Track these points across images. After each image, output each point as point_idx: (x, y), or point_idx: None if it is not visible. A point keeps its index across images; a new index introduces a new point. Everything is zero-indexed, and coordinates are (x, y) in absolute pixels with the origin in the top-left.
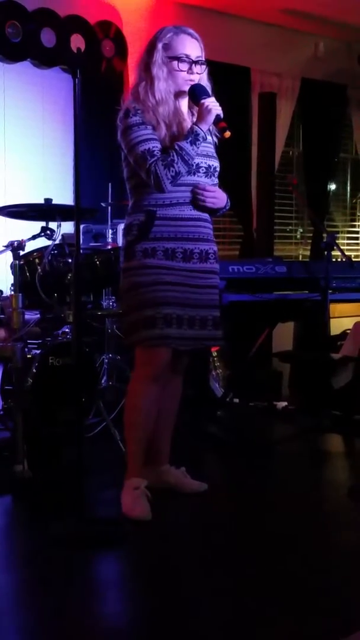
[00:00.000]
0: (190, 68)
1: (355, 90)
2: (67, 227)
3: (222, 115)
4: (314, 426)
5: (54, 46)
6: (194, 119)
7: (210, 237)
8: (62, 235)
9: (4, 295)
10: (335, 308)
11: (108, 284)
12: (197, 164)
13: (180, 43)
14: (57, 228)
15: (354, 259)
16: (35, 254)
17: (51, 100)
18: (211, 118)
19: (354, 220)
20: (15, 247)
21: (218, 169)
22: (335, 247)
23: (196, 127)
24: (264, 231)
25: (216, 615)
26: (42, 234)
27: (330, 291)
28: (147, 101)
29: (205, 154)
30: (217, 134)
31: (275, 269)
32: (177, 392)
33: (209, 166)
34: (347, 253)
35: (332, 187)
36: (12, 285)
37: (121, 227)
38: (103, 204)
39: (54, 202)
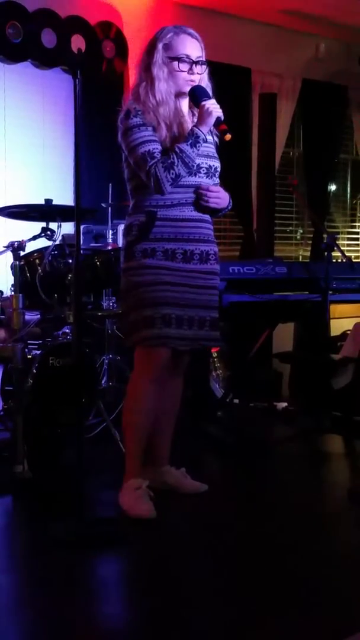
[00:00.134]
0: (190, 68)
1: (356, 91)
2: (68, 227)
3: (222, 118)
4: (314, 427)
5: (55, 47)
6: (195, 120)
7: (211, 238)
8: (63, 236)
9: (4, 295)
10: (335, 309)
11: (108, 285)
12: (198, 165)
13: (180, 43)
14: (58, 228)
15: (354, 260)
16: (35, 254)
17: (52, 100)
18: (211, 120)
19: (354, 221)
20: (15, 247)
21: (219, 169)
22: (335, 248)
23: (196, 129)
24: (264, 232)
25: (216, 615)
26: (43, 234)
27: (330, 292)
28: (148, 102)
29: (206, 155)
30: (217, 135)
31: (275, 270)
32: (178, 392)
33: (210, 167)
34: (347, 254)
35: (333, 187)
36: (12, 285)
37: (121, 227)
38: (103, 205)
39: (54, 202)
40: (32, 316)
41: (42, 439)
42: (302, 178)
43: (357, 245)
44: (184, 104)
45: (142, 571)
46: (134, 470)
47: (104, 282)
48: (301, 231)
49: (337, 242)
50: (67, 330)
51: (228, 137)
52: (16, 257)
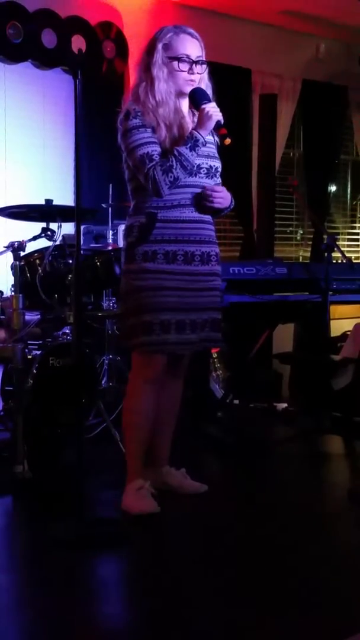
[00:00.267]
0: (190, 68)
1: (356, 91)
2: (68, 228)
3: (222, 122)
4: (314, 427)
5: (55, 47)
6: (195, 119)
7: (212, 239)
8: (63, 236)
9: (4, 296)
10: (335, 309)
11: (108, 285)
12: (198, 165)
13: (180, 43)
14: (58, 229)
15: (354, 261)
16: (35, 254)
17: (52, 101)
18: (211, 125)
19: (354, 222)
20: (15, 247)
21: (220, 169)
22: (335, 249)
23: (196, 132)
24: (264, 232)
25: (216, 616)
26: (43, 234)
27: (330, 293)
28: (147, 102)
29: (206, 155)
30: (217, 137)
31: (275, 271)
32: (178, 393)
33: (210, 167)
34: (347, 254)
35: (333, 188)
36: (12, 286)
37: (122, 228)
38: (104, 205)
39: (54, 203)
40: (32, 316)
41: (42, 439)
42: (302, 179)
43: (358, 246)
44: (184, 103)
45: (142, 571)
46: (136, 471)
47: (104, 283)
48: (301, 232)
49: (337, 242)
50: (67, 331)
51: (227, 141)
52: (16, 257)
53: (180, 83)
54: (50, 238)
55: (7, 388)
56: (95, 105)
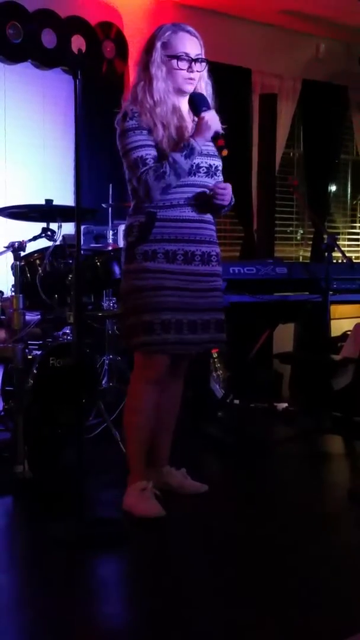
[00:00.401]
0: (190, 66)
1: (356, 91)
2: (68, 228)
3: (221, 131)
4: (314, 427)
5: (55, 47)
6: (195, 118)
7: (213, 239)
8: (63, 236)
9: (4, 296)
10: (335, 309)
11: (109, 285)
12: (197, 164)
13: (179, 41)
14: (58, 229)
15: (354, 261)
16: (36, 254)
17: (52, 101)
18: (210, 134)
19: (355, 222)
20: (16, 248)
21: (220, 167)
22: (335, 249)
23: (193, 141)
24: (264, 232)
25: (216, 615)
26: (43, 234)
27: (330, 292)
28: (145, 102)
29: (206, 154)
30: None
31: (275, 270)
32: (178, 394)
33: (210, 165)
34: (347, 254)
35: (333, 188)
36: (12, 286)
37: (122, 228)
38: (104, 205)
39: (54, 203)
40: (32, 316)
41: (43, 439)
42: (302, 178)
43: (358, 245)
44: (183, 102)
45: (142, 571)
46: (139, 472)
47: (104, 283)
48: (301, 232)
49: (338, 242)
50: (67, 331)
51: (225, 152)
52: (16, 257)
53: (180, 82)
54: (50, 238)
55: (7, 388)
56: (95, 106)
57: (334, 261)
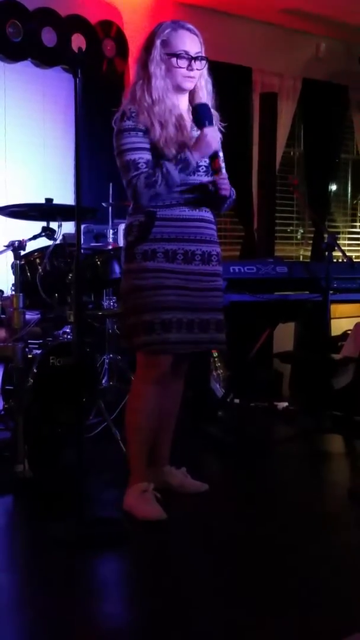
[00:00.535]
0: (189, 64)
1: (357, 90)
2: (68, 227)
3: (220, 152)
4: (314, 427)
5: (55, 46)
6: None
7: (213, 239)
8: (63, 235)
9: (4, 295)
10: (336, 309)
11: (109, 284)
12: (197, 163)
13: (179, 39)
14: (58, 228)
15: (354, 260)
16: (36, 253)
17: (52, 100)
18: (208, 152)
19: (355, 221)
20: (16, 247)
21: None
22: (336, 248)
23: (189, 155)
24: (264, 231)
25: (216, 615)
26: (43, 233)
27: (331, 292)
28: (143, 101)
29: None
30: (220, 130)
31: (276, 270)
32: (178, 394)
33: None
34: (348, 254)
35: (333, 187)
36: (12, 285)
37: (122, 227)
38: (104, 204)
39: (54, 202)
40: (32, 315)
41: (43, 438)
42: (302, 178)
43: (358, 245)
44: (183, 100)
45: (142, 571)
46: (140, 473)
47: (104, 282)
48: (302, 231)
49: (338, 241)
50: (67, 330)
51: (219, 175)
52: (17, 256)
53: (179, 79)
54: (50, 237)
55: (7, 387)
56: (95, 104)
57: (334, 260)
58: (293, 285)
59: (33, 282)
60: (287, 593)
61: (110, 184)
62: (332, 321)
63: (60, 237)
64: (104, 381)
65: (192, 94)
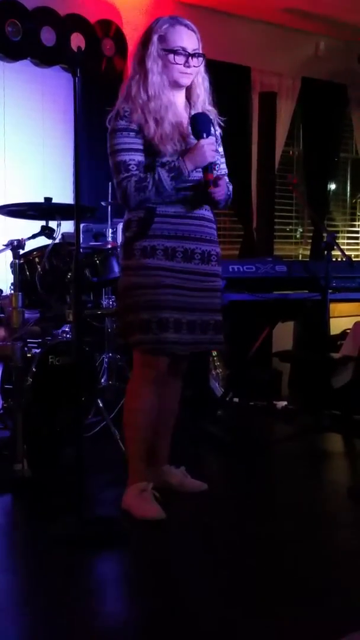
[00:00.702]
0: (186, 61)
1: (356, 89)
2: (67, 226)
3: (213, 165)
4: (313, 426)
5: (54, 45)
6: (192, 112)
7: (213, 238)
8: (62, 234)
9: (3, 294)
10: (335, 308)
11: (108, 283)
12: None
13: (176, 35)
14: (57, 227)
15: (354, 259)
16: (35, 253)
17: (51, 99)
18: (203, 163)
19: (354, 220)
20: (15, 246)
21: (219, 163)
22: (335, 247)
23: (183, 164)
24: (264, 231)
25: (216, 615)
26: (42, 233)
27: (330, 291)
28: (138, 97)
29: None
30: (220, 125)
31: (275, 269)
32: (177, 393)
33: (210, 163)
34: (347, 253)
35: (333, 186)
36: (12, 284)
37: (121, 226)
38: (103, 203)
39: (53, 201)
40: (31, 315)
41: (42, 437)
42: (302, 177)
43: (357, 244)
44: (179, 96)
45: (141, 570)
46: (139, 472)
47: (103, 281)
48: (301, 230)
49: (337, 241)
50: (66, 329)
51: (211, 188)
52: (16, 255)
53: (176, 75)
54: (49, 236)
55: (6, 386)
56: (94, 103)
57: (334, 259)
58: (292, 285)
59: (32, 281)
60: (287, 593)
61: (110, 183)
62: (331, 320)
63: (60, 236)
64: (103, 380)
65: (189, 90)
